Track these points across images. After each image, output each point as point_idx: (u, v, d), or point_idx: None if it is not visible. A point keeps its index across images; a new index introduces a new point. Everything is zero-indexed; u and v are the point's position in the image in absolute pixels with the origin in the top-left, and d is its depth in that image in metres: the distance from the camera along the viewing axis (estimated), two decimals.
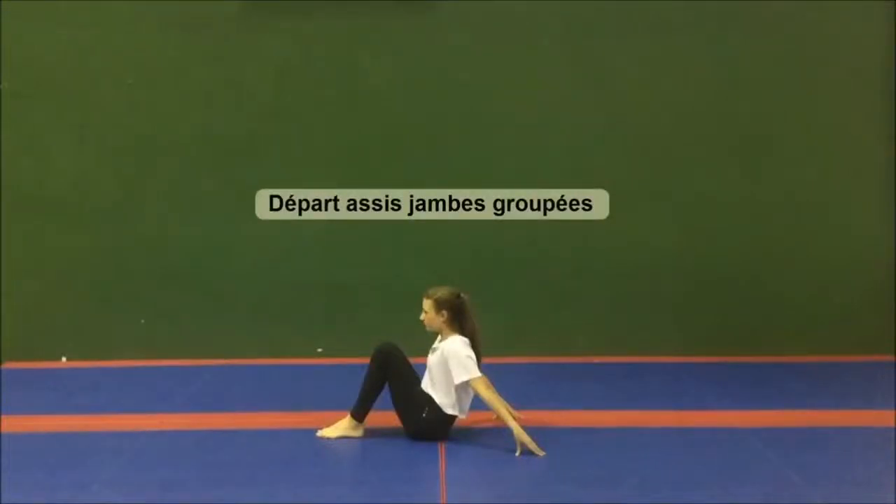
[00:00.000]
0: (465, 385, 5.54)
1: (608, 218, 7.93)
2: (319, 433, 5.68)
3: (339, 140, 7.92)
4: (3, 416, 6.04)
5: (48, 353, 7.89)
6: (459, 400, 5.60)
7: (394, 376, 5.58)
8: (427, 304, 5.68)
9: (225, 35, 7.87)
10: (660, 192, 7.92)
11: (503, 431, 5.58)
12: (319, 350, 7.98)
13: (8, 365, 7.75)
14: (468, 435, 5.66)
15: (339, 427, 5.66)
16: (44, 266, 7.93)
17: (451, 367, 5.51)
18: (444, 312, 5.65)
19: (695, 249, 7.97)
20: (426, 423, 5.56)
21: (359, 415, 5.64)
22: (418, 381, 5.61)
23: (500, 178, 7.87)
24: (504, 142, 7.90)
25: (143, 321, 7.95)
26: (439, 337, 5.74)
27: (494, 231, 7.92)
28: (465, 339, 5.60)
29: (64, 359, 7.90)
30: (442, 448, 5.44)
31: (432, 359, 5.67)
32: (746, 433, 5.74)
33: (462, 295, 5.69)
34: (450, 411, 5.58)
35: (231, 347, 7.88)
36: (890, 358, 7.72)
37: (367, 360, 5.65)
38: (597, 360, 7.76)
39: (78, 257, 7.92)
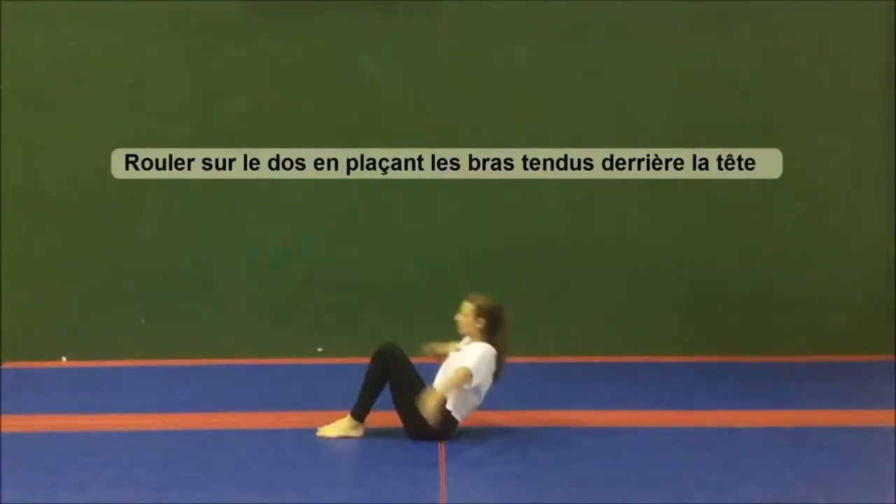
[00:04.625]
0: (475, 388, 5.56)
1: (609, 217, 7.95)
2: (319, 431, 5.67)
3: (340, 140, 7.91)
4: (3, 416, 6.04)
5: (48, 353, 7.88)
6: (466, 402, 5.60)
7: (395, 376, 5.57)
8: (468, 307, 5.70)
9: (226, 35, 7.86)
10: (660, 192, 7.91)
11: (503, 431, 5.59)
12: (319, 350, 7.97)
13: (8, 365, 7.74)
14: (468, 435, 5.65)
15: (339, 426, 5.65)
16: (44, 266, 7.92)
17: (467, 358, 5.52)
18: (482, 320, 5.67)
19: (695, 249, 7.96)
20: (428, 424, 5.53)
21: (359, 414, 5.63)
22: (421, 380, 5.60)
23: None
24: (504, 142, 7.88)
25: (143, 321, 7.95)
26: (466, 339, 5.77)
27: (493, 231, 7.93)
28: (495, 352, 5.62)
29: (64, 359, 7.90)
30: (442, 448, 5.44)
31: (454, 357, 5.68)
32: (746, 433, 5.74)
33: (504, 309, 5.70)
34: (454, 412, 5.58)
35: (231, 347, 7.88)
36: (890, 358, 7.72)
37: (367, 360, 5.65)
38: (597, 360, 7.76)
39: (78, 257, 7.91)
